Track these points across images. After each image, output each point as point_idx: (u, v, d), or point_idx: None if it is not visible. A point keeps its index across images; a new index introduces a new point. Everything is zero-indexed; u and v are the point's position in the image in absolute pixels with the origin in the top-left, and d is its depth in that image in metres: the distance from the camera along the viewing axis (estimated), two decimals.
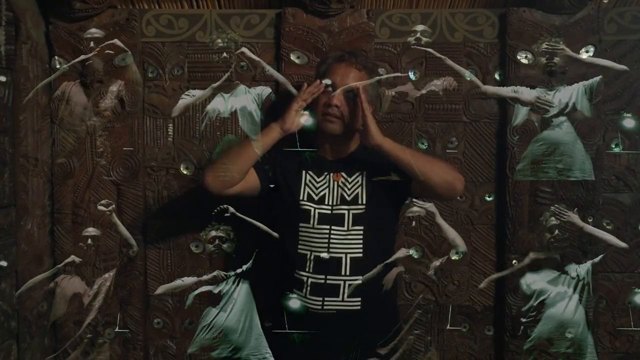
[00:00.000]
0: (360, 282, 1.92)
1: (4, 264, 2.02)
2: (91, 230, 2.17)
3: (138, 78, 2.21)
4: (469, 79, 1.79)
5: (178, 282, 1.89)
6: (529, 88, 1.82)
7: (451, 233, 1.72)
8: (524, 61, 2.28)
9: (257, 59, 1.91)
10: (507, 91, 1.79)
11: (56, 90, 2.12)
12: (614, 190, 2.35)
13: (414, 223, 1.65)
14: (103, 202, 1.89)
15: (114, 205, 1.93)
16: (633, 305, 1.88)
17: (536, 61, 1.73)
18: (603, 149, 2.31)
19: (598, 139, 2.29)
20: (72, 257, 1.89)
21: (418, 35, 1.75)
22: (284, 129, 1.94)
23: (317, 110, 1.96)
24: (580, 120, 2.20)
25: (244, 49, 1.81)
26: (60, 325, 2.33)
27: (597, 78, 1.75)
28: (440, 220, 1.78)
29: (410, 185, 1.95)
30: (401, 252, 1.87)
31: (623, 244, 1.75)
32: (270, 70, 1.95)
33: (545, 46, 1.67)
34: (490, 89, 1.85)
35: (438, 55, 1.73)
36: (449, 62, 1.70)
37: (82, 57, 1.95)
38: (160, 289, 1.89)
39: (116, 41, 1.86)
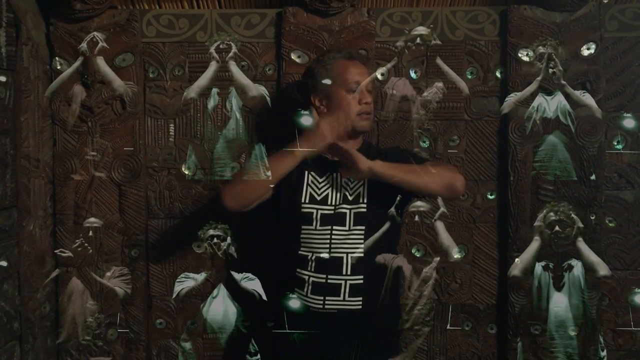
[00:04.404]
0: (361, 281, 1.93)
1: (4, 264, 2.02)
2: (92, 221, 2.10)
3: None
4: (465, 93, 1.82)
5: None
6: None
7: (446, 239, 1.70)
8: (525, 59, 2.27)
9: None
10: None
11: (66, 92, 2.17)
12: (616, 188, 2.34)
13: (416, 217, 1.63)
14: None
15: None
16: (633, 305, 1.87)
17: (535, 63, 1.74)
18: (605, 146, 2.30)
19: (600, 136, 2.28)
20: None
21: (418, 40, 1.74)
22: (320, 146, 1.91)
23: (349, 111, 1.96)
24: (582, 117, 2.21)
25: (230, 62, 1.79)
26: (62, 326, 2.33)
27: (572, 111, 1.78)
28: (439, 224, 1.77)
29: None
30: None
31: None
32: None
33: (541, 49, 1.68)
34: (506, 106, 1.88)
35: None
36: (451, 73, 1.72)
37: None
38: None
39: None
